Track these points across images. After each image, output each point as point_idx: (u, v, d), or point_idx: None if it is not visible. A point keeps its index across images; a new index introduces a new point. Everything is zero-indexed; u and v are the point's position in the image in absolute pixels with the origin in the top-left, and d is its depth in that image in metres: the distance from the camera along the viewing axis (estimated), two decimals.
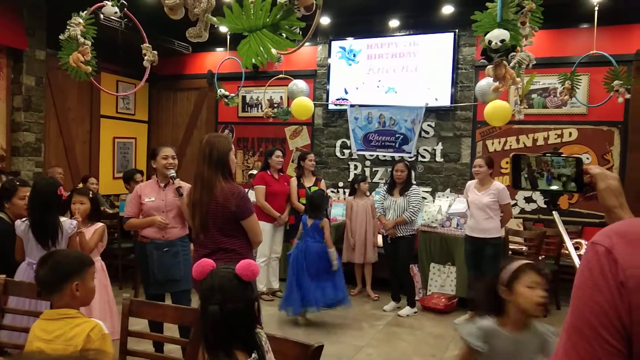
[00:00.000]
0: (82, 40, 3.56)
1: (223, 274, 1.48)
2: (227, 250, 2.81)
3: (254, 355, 1.41)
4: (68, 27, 3.56)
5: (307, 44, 6.96)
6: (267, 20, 2.28)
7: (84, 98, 7.14)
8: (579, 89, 5.34)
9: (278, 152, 5.52)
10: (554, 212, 1.31)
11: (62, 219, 3.14)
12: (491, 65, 2.84)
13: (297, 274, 4.60)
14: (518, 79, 2.94)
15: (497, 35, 2.73)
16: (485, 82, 5.17)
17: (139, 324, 3.10)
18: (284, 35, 2.34)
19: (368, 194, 5.85)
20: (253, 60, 2.38)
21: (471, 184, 4.89)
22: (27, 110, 6.11)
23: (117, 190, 7.26)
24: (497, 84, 2.91)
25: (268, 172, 5.48)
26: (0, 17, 5.67)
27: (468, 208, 4.87)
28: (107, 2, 3.61)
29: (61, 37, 3.59)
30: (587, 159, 5.75)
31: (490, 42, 2.74)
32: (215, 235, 2.81)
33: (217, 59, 6.84)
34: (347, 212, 5.70)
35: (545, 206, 1.35)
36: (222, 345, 1.40)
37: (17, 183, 3.44)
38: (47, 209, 3.08)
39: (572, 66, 5.24)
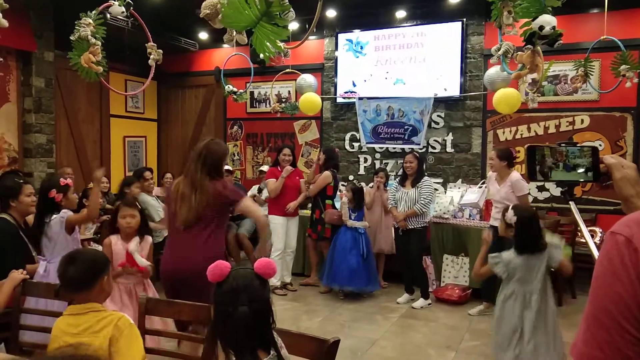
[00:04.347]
0: (92, 40, 3.55)
1: (244, 274, 1.46)
2: (204, 248, 2.87)
3: (272, 352, 1.41)
4: (77, 27, 3.55)
5: (313, 37, 7.01)
6: (258, 11, 2.25)
7: (94, 98, 7.18)
8: (592, 75, 5.26)
9: (285, 151, 5.59)
10: (570, 203, 1.31)
11: (53, 216, 3.15)
12: (525, 53, 2.76)
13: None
14: (540, 66, 2.89)
15: (549, 21, 2.63)
16: (494, 70, 5.10)
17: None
18: (277, 23, 2.31)
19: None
20: (267, 52, 2.37)
21: (492, 175, 4.86)
22: (38, 111, 6.15)
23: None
24: (517, 71, 2.87)
25: (278, 167, 5.55)
26: (8, 20, 5.69)
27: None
28: (113, 2, 3.61)
29: (72, 37, 3.58)
30: (600, 145, 5.68)
31: (542, 27, 2.64)
32: (195, 233, 2.89)
33: (224, 55, 6.83)
34: (368, 204, 5.63)
35: (559, 195, 1.35)
36: (248, 345, 1.39)
37: (21, 181, 3.33)
38: (39, 209, 3.16)
39: (583, 52, 5.16)
